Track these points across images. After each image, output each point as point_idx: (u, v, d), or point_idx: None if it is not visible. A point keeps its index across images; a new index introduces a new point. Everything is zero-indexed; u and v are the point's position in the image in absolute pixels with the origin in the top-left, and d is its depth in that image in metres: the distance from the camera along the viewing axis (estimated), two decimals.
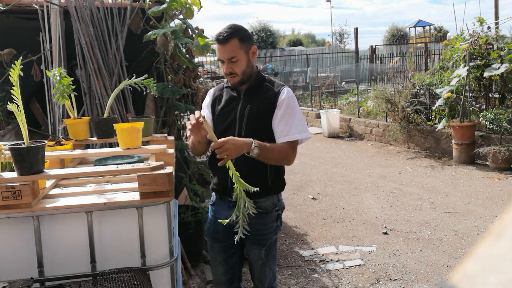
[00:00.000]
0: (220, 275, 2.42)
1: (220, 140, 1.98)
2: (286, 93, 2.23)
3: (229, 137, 2.01)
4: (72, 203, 1.78)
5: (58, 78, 2.30)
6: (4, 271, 1.72)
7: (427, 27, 27.88)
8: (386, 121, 9.14)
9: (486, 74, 7.07)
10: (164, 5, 3.56)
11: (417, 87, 8.42)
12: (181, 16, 3.81)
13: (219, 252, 2.38)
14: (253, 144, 2.03)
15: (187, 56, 3.92)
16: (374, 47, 16.88)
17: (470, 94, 7.38)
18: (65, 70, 2.45)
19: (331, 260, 4.01)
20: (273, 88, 2.25)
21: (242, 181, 1.94)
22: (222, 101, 2.33)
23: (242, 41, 2.16)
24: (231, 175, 1.96)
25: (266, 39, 31.41)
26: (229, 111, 2.28)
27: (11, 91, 1.76)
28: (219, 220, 2.18)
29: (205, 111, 2.38)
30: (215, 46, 2.28)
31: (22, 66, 1.79)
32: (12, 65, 1.79)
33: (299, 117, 2.23)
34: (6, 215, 1.70)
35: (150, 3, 3.71)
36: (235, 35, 2.13)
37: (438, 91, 7.78)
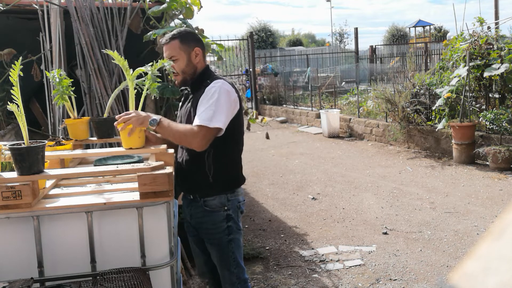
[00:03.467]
0: (201, 266, 2.58)
1: (128, 112, 2.14)
2: (213, 83, 2.26)
3: (134, 111, 2.15)
4: (72, 203, 1.78)
5: (57, 80, 2.30)
6: (4, 271, 1.72)
7: (427, 27, 27.88)
8: (386, 121, 9.14)
9: (486, 74, 7.07)
10: (164, 5, 3.56)
11: (417, 87, 8.42)
12: (181, 16, 3.81)
13: (195, 244, 2.51)
14: (152, 118, 2.11)
15: None
16: (374, 47, 16.89)
17: (470, 94, 7.38)
18: (64, 72, 2.45)
19: (331, 260, 4.01)
20: (209, 83, 2.29)
21: None
22: (183, 98, 2.53)
23: (183, 43, 2.31)
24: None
25: (266, 39, 31.39)
26: (181, 108, 2.49)
27: (11, 91, 1.76)
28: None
29: None
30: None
31: (22, 66, 1.79)
32: (12, 65, 1.79)
33: (213, 105, 2.17)
34: (6, 215, 1.70)
35: (150, 3, 3.71)
36: (176, 37, 2.31)
37: (438, 91, 7.78)
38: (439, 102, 7.53)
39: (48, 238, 1.75)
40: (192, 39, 2.36)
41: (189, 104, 2.38)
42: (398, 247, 4.21)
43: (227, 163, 2.33)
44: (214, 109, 2.16)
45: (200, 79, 2.35)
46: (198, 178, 2.30)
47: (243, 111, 2.48)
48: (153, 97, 3.79)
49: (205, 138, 2.14)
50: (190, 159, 2.32)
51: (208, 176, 2.28)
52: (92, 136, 2.62)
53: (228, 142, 2.31)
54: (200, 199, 2.33)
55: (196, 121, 2.17)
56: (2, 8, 3.39)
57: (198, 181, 2.32)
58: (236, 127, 2.32)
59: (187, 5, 3.68)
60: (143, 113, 2.14)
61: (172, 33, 2.35)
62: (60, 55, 3.45)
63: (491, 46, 7.44)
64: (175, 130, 2.15)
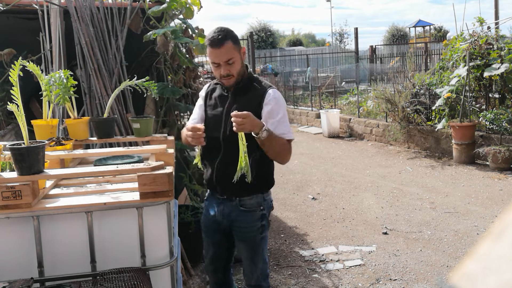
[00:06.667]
0: (207, 265, 2.60)
1: (245, 112, 2.07)
2: (273, 93, 2.30)
3: (250, 113, 2.09)
4: (72, 203, 1.78)
5: (64, 81, 2.31)
6: (4, 271, 1.72)
7: (427, 27, 27.89)
8: (386, 121, 9.14)
9: (486, 74, 7.07)
10: (164, 5, 3.56)
11: (417, 87, 8.42)
12: (181, 16, 3.81)
13: (207, 245, 2.54)
14: (264, 127, 2.12)
15: (187, 56, 3.92)
16: (374, 47, 16.88)
17: (470, 94, 7.38)
18: (61, 73, 2.45)
19: (331, 260, 4.01)
20: (260, 88, 2.32)
21: (245, 155, 2.13)
22: (212, 98, 2.44)
23: (235, 43, 2.25)
24: (240, 147, 2.11)
25: (266, 39, 31.40)
26: (217, 109, 2.38)
27: (11, 91, 1.76)
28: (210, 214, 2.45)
29: (197, 111, 2.49)
30: None
31: (22, 66, 1.79)
32: (12, 65, 1.79)
33: (286, 117, 2.32)
34: (6, 215, 1.70)
35: (150, 3, 3.71)
36: (228, 37, 2.21)
37: (438, 91, 7.78)
38: (439, 102, 7.53)
39: (48, 238, 1.75)
40: (238, 37, 2.32)
41: (231, 105, 2.30)
42: (398, 247, 4.21)
43: (267, 165, 2.37)
44: (287, 121, 2.30)
45: (249, 81, 2.34)
46: (239, 179, 2.18)
47: None
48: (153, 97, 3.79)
49: (291, 151, 2.30)
50: (231, 162, 2.20)
51: (249, 177, 2.22)
52: (92, 136, 2.62)
53: None
54: (235, 199, 2.35)
55: (286, 135, 2.26)
56: (2, 8, 3.39)
57: (237, 182, 2.19)
58: None
59: (187, 5, 3.68)
60: (256, 120, 2.11)
61: (221, 34, 2.20)
62: (60, 55, 3.45)
63: (491, 46, 7.44)
64: (280, 142, 2.23)
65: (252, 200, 2.34)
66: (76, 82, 2.46)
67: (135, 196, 1.83)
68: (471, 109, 7.34)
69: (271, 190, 2.50)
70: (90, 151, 2.47)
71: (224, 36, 2.20)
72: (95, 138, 2.53)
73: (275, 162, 2.41)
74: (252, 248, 2.40)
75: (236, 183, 2.19)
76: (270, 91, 2.29)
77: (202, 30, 3.92)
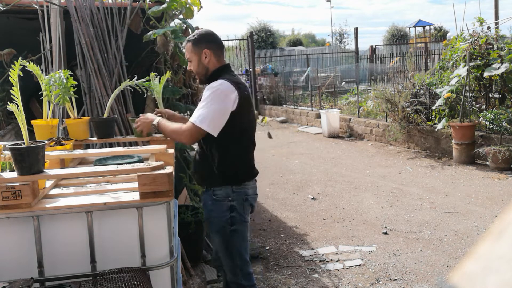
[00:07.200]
0: (215, 252, 2.71)
1: (139, 118, 2.53)
2: (213, 83, 2.39)
3: (142, 117, 2.52)
4: (72, 203, 1.78)
5: (64, 81, 2.31)
6: (4, 271, 1.72)
7: (427, 27, 27.88)
8: (386, 121, 9.14)
9: (486, 74, 7.06)
10: (164, 5, 3.56)
11: (417, 87, 8.42)
12: (181, 16, 3.81)
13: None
14: (152, 122, 2.47)
15: None
16: (374, 47, 16.88)
17: (470, 94, 7.38)
18: (61, 73, 2.45)
19: (331, 260, 4.01)
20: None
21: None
22: None
23: (194, 45, 2.47)
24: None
25: (266, 39, 31.38)
26: None
27: (11, 91, 1.76)
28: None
29: None
30: None
31: (22, 66, 1.79)
32: (12, 65, 1.79)
33: (204, 106, 2.33)
34: (6, 215, 1.70)
35: (150, 3, 3.71)
36: (190, 39, 2.49)
37: (438, 91, 7.78)
38: (439, 102, 7.53)
39: (48, 238, 1.75)
40: (204, 40, 2.47)
41: None
42: (398, 247, 4.21)
43: (230, 157, 2.43)
44: (203, 109, 2.32)
45: (212, 78, 2.45)
46: (206, 168, 2.47)
47: (251, 108, 2.55)
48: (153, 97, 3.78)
49: (191, 135, 2.33)
50: (200, 151, 2.52)
51: (213, 167, 2.43)
52: (92, 136, 2.62)
53: (228, 138, 2.39)
54: (210, 189, 2.47)
55: (191, 118, 2.36)
56: (2, 8, 3.39)
57: (206, 172, 2.48)
58: (236, 123, 2.39)
59: (187, 5, 3.69)
60: (148, 118, 2.49)
61: (189, 36, 2.52)
62: (60, 55, 3.45)
63: (491, 46, 7.44)
64: (167, 129, 2.40)
65: (221, 191, 2.43)
66: (76, 82, 2.46)
67: (135, 196, 1.83)
68: (471, 109, 7.34)
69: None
70: (90, 151, 2.47)
71: (188, 39, 2.49)
72: (95, 138, 2.53)
73: (248, 156, 2.52)
74: (223, 239, 2.45)
75: (208, 174, 2.45)
76: (212, 82, 2.38)
77: None
